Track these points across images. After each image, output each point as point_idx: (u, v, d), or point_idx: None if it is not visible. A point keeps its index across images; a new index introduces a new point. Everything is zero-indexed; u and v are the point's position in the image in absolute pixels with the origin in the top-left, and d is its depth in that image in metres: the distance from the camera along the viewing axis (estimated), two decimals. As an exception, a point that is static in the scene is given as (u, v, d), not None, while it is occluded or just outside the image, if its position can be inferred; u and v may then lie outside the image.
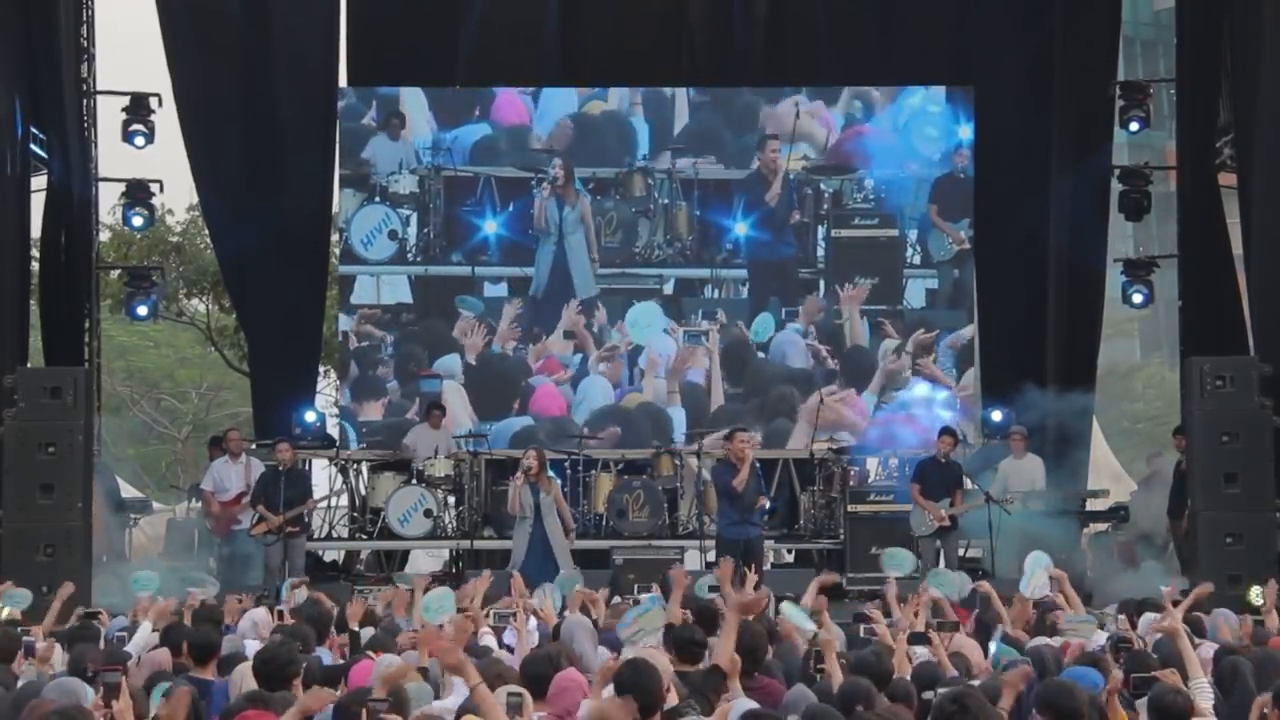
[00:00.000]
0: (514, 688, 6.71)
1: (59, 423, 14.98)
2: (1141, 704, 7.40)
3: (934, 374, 19.33)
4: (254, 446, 17.90)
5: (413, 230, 19.30)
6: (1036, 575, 10.97)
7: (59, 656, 9.42)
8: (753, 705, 6.73)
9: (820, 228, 19.48)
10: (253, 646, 9.50)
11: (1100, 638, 9.68)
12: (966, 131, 19.42)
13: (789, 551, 18.58)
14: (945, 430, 16.98)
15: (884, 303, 19.42)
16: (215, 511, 17.01)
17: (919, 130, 19.51)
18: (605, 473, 17.85)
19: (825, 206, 19.51)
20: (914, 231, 19.50)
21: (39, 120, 17.31)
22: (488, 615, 10.10)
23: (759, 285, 19.38)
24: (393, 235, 19.17)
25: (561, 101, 19.58)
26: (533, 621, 9.76)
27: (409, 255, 19.35)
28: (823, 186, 19.53)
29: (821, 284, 19.44)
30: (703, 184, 19.40)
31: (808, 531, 18.00)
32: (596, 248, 19.21)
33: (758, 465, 15.27)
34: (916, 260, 19.54)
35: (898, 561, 12.81)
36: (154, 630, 10.11)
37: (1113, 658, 8.35)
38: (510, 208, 19.30)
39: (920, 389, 19.20)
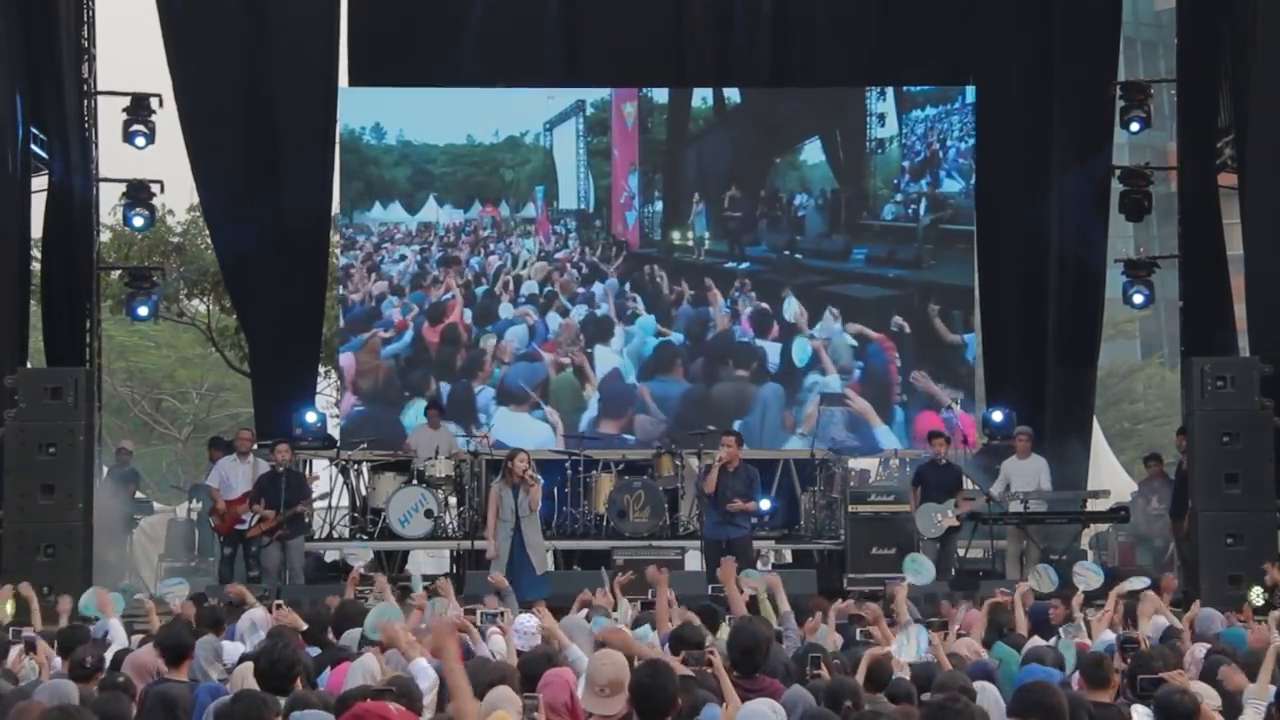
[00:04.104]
0: (530, 693, 6.71)
1: (60, 423, 14.98)
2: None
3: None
4: (255, 447, 17.90)
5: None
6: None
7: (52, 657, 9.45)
8: (762, 707, 6.71)
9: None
10: (247, 647, 9.51)
11: (1109, 637, 9.68)
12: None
13: (790, 552, 18.56)
14: (934, 433, 16.96)
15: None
16: (220, 509, 17.00)
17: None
18: (606, 473, 17.83)
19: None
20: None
21: (40, 120, 17.31)
22: (474, 613, 10.13)
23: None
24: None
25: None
26: (529, 622, 9.71)
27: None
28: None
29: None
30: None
31: (808, 532, 18.00)
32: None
33: (752, 469, 15.24)
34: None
35: (918, 569, 12.65)
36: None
37: (1120, 657, 8.35)
38: None
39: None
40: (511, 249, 19.61)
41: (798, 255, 19.49)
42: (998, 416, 18.59)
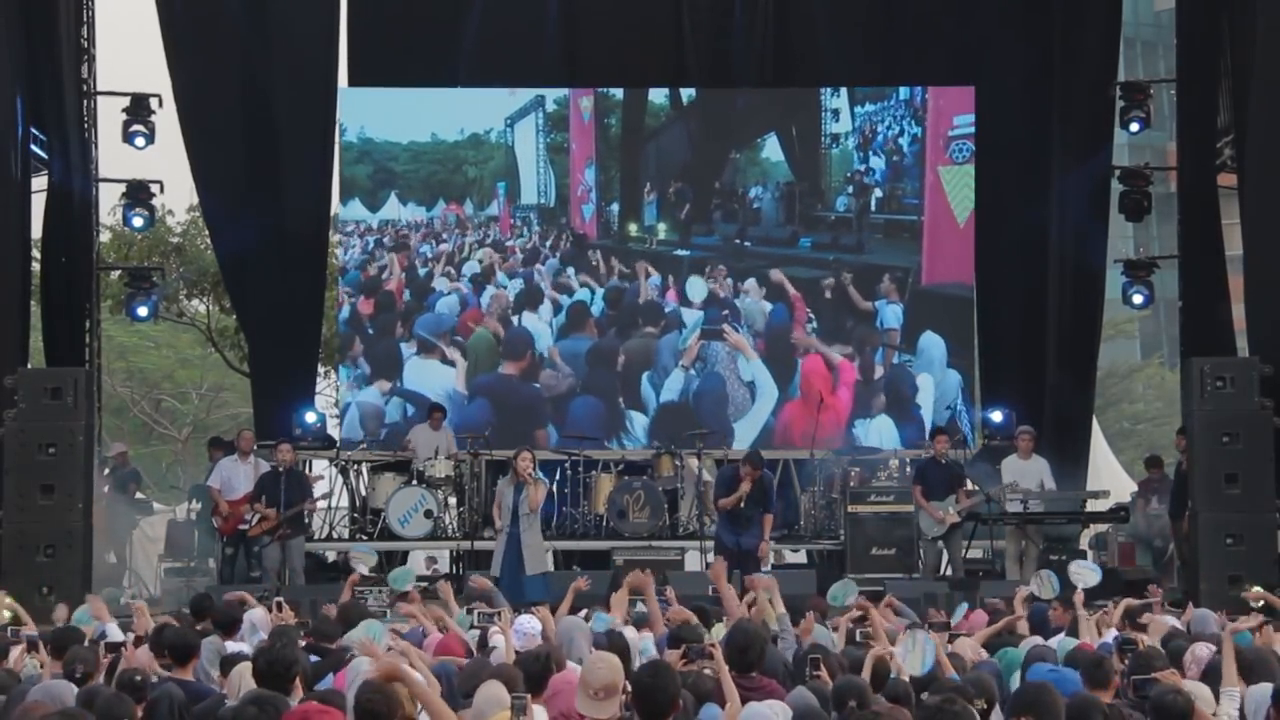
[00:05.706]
0: (518, 692, 6.70)
1: (59, 423, 14.98)
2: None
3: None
4: (255, 447, 17.89)
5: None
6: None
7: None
8: (763, 708, 6.70)
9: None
10: (246, 647, 9.51)
11: (1108, 636, 9.69)
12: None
13: (794, 550, 18.57)
14: (939, 430, 16.97)
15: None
16: (223, 510, 16.99)
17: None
18: (605, 473, 17.83)
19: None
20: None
21: (39, 121, 17.31)
22: (472, 613, 10.16)
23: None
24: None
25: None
26: (531, 623, 9.71)
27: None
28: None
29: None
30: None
31: (808, 532, 18.00)
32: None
33: (768, 474, 15.32)
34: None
35: (840, 596, 12.05)
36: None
37: (1119, 658, 8.35)
38: None
39: None
40: (462, 236, 19.72)
41: (746, 243, 19.66)
42: (997, 416, 18.57)
